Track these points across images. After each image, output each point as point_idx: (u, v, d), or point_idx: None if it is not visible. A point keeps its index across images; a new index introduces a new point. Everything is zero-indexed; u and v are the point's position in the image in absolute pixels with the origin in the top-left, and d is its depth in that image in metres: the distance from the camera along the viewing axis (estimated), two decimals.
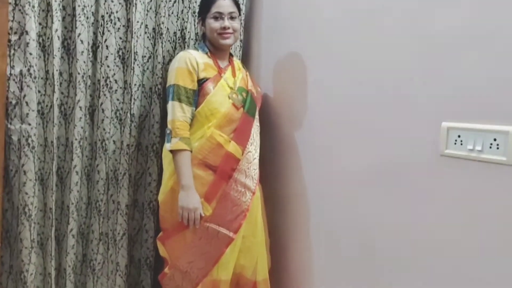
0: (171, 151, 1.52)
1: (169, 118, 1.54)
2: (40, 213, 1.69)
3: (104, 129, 1.77)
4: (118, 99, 1.79)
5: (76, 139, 1.70)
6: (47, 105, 1.66)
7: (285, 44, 1.74)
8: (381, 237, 1.27)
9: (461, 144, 1.05)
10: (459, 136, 1.06)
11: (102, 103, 1.75)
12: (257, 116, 1.68)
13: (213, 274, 1.55)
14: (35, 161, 1.62)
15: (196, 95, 1.57)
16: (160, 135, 1.86)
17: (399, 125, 1.21)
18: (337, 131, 1.44)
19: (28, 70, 1.57)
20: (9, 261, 1.68)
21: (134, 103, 1.78)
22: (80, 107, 1.70)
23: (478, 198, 1.00)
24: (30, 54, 1.56)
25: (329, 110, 1.48)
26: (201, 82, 1.57)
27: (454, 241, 1.05)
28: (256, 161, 1.64)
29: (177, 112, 1.52)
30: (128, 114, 1.77)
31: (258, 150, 1.66)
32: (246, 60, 1.97)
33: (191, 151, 1.52)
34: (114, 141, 1.80)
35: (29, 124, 1.59)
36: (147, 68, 1.84)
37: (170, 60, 1.87)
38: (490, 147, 0.99)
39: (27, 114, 1.59)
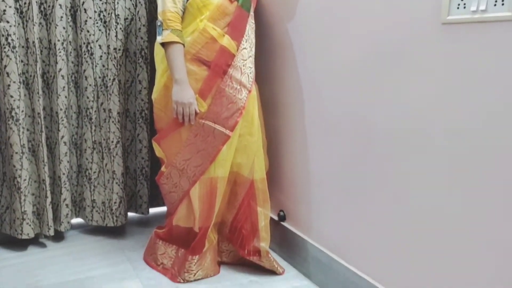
0: (162, 44, 1.46)
1: (159, 9, 1.46)
2: (29, 118, 1.64)
3: (88, 31, 1.68)
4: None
5: (59, 41, 1.61)
6: (25, 3, 1.55)
7: None
8: (380, 122, 1.25)
9: (464, 7, 1.03)
10: (461, 0, 1.04)
11: (84, 2, 1.65)
12: (252, 13, 1.61)
13: (210, 171, 1.55)
14: (18, 63, 1.54)
15: None
16: (148, 39, 1.78)
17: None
18: (330, 17, 1.39)
19: None
20: (2, 168, 1.66)
21: (118, 3, 1.68)
22: (60, 5, 1.59)
23: (482, 63, 0.97)
24: None
25: None
26: None
27: (459, 116, 1.03)
28: (252, 59, 1.59)
29: (168, 3, 1.44)
30: (113, 15, 1.67)
31: (253, 49, 1.61)
32: None
33: (184, 45, 1.47)
34: (100, 46, 1.72)
35: (8, 22, 1.50)
36: None
37: None
38: (495, 5, 0.97)
39: (4, 10, 1.49)
